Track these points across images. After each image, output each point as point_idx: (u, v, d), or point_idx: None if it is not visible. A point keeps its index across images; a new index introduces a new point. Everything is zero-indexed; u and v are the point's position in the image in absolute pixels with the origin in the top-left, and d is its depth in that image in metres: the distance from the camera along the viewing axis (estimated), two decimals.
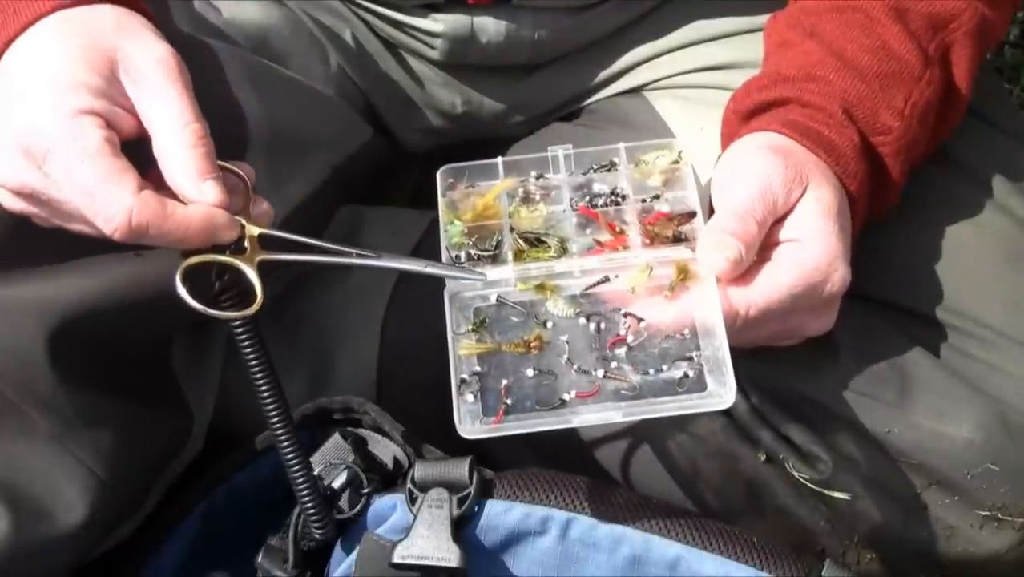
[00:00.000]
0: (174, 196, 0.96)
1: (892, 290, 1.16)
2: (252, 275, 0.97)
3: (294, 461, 1.02)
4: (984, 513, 1.12)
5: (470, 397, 0.99)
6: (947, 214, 1.18)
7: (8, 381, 1.05)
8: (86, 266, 1.07)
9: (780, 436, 1.14)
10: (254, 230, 0.98)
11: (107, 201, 0.93)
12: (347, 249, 1.00)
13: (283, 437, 1.01)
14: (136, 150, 0.96)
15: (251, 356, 0.99)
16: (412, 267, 1.01)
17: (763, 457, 1.15)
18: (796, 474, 1.14)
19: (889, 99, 1.10)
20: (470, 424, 0.98)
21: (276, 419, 1.00)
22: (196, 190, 0.96)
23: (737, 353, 1.13)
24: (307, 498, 1.03)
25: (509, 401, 0.99)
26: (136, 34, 0.98)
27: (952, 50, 1.13)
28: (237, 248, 0.98)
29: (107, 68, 0.96)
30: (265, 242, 0.99)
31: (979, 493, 1.11)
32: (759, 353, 1.12)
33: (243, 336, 0.99)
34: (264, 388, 1.00)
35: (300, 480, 1.02)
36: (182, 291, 0.95)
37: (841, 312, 1.10)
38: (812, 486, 1.13)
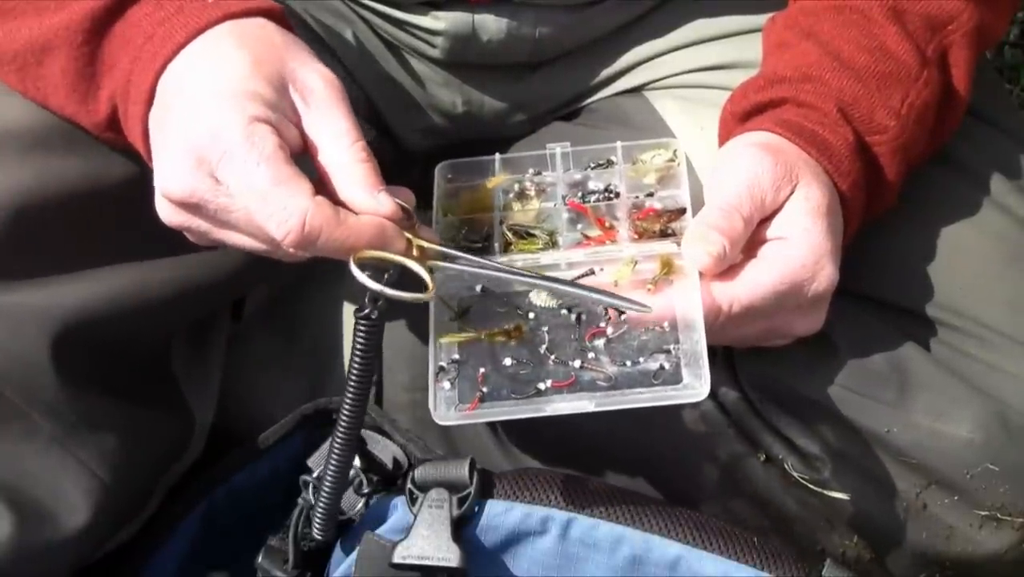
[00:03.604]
0: None
1: (892, 290, 1.16)
2: (420, 269, 0.98)
3: (340, 458, 1.00)
4: (983, 513, 1.12)
5: (447, 384, 1.01)
6: (947, 214, 1.18)
7: (12, 385, 1.06)
8: (88, 273, 1.07)
9: (779, 436, 1.14)
10: (422, 243, 0.99)
11: (282, 203, 0.94)
12: (511, 267, 1.01)
13: (345, 433, 1.00)
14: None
15: (363, 348, 0.98)
16: (591, 294, 1.01)
17: (762, 457, 1.15)
18: (795, 474, 1.14)
19: (886, 99, 1.10)
20: (444, 410, 0.99)
21: (349, 414, 0.99)
22: (373, 199, 0.97)
23: (736, 353, 1.14)
24: (328, 497, 1.02)
25: (485, 389, 1.00)
26: (300, 52, 1.01)
27: (950, 51, 1.12)
28: None
29: (279, 82, 0.98)
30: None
31: (978, 493, 1.11)
32: (758, 353, 1.12)
33: (368, 330, 0.97)
34: (356, 381, 0.98)
35: (333, 478, 1.01)
36: (359, 275, 0.95)
37: (840, 312, 1.10)
38: (811, 486, 1.14)
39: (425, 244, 1.00)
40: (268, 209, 0.94)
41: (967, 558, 1.14)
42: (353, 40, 1.31)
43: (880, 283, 1.16)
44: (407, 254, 0.98)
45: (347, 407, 0.98)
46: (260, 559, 1.08)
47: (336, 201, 0.98)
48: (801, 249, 1.04)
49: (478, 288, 1.05)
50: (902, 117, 1.10)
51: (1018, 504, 1.12)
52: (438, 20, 1.27)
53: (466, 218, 1.09)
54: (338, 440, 0.99)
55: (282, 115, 0.98)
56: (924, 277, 1.15)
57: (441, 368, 1.01)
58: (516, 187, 1.12)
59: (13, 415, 1.06)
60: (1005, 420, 1.11)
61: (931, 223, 1.17)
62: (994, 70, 1.91)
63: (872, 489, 1.13)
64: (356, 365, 0.97)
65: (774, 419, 1.14)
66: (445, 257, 1.01)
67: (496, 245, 1.06)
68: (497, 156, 1.13)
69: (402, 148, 1.39)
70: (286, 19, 1.04)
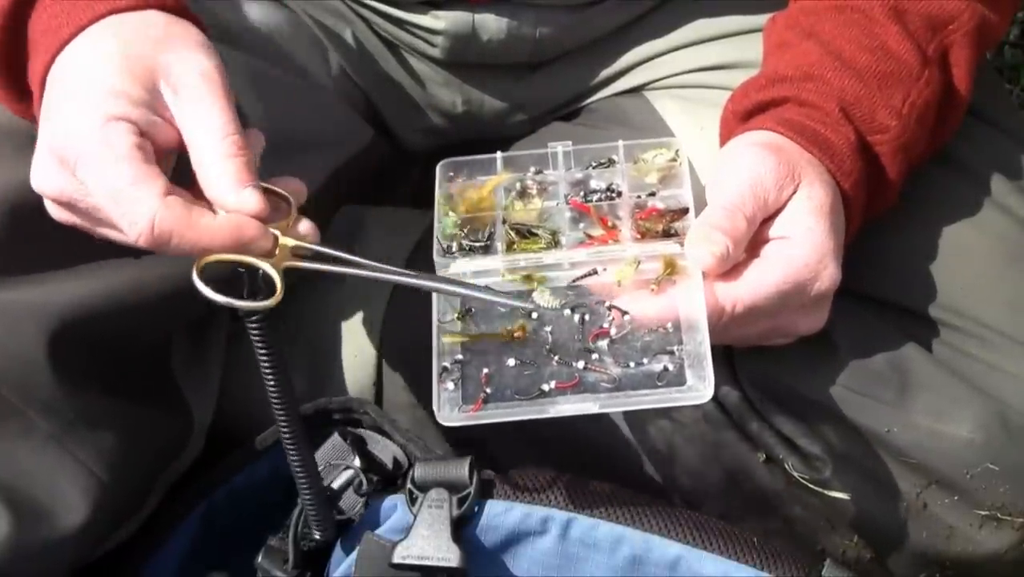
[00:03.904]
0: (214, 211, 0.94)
1: (892, 289, 1.16)
2: (271, 271, 0.94)
3: (297, 459, 1.01)
4: (983, 513, 1.12)
5: (451, 385, 1.00)
6: (947, 214, 1.18)
7: (8, 383, 1.05)
8: (86, 269, 1.07)
9: (780, 436, 1.14)
10: (289, 242, 0.95)
11: (131, 205, 0.92)
12: (385, 266, 0.97)
13: (288, 434, 1.00)
14: (181, 167, 0.96)
15: (262, 351, 0.98)
16: (453, 289, 0.99)
17: (762, 457, 1.15)
18: (795, 474, 1.14)
19: (887, 98, 1.10)
20: (448, 411, 0.99)
21: (283, 416, 0.99)
22: (235, 198, 0.93)
23: (736, 352, 1.14)
24: (308, 497, 1.02)
25: (489, 390, 1.00)
26: (182, 44, 0.97)
27: (951, 51, 1.13)
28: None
29: (148, 78, 0.95)
30: (299, 255, 0.97)
31: (979, 493, 1.11)
32: (758, 353, 1.12)
33: (256, 331, 0.97)
34: (273, 384, 0.98)
35: (303, 478, 1.02)
36: (201, 286, 0.93)
37: (840, 311, 1.10)
38: (811, 486, 1.14)
39: (292, 242, 0.95)
40: (120, 210, 0.92)
41: (967, 558, 1.14)
42: (353, 40, 1.31)
43: (881, 283, 1.16)
44: (269, 253, 0.94)
45: (276, 403, 0.98)
46: (260, 559, 1.07)
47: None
48: (804, 248, 1.04)
49: None
50: (903, 117, 1.10)
51: (1018, 504, 1.12)
52: (438, 19, 1.27)
53: (468, 217, 1.09)
54: (285, 438, 0.99)
55: (150, 112, 0.95)
56: (925, 277, 1.15)
57: (444, 368, 1.00)
58: (518, 186, 1.12)
59: (10, 413, 1.06)
60: (1005, 420, 1.11)
61: (932, 223, 1.17)
62: (994, 70, 1.92)
63: (872, 489, 1.13)
64: (264, 360, 0.96)
65: (774, 419, 1.14)
66: (318, 256, 0.96)
67: (499, 244, 1.06)
68: (499, 154, 1.12)
69: (402, 148, 1.39)
70: (186, 10, 1.00)
